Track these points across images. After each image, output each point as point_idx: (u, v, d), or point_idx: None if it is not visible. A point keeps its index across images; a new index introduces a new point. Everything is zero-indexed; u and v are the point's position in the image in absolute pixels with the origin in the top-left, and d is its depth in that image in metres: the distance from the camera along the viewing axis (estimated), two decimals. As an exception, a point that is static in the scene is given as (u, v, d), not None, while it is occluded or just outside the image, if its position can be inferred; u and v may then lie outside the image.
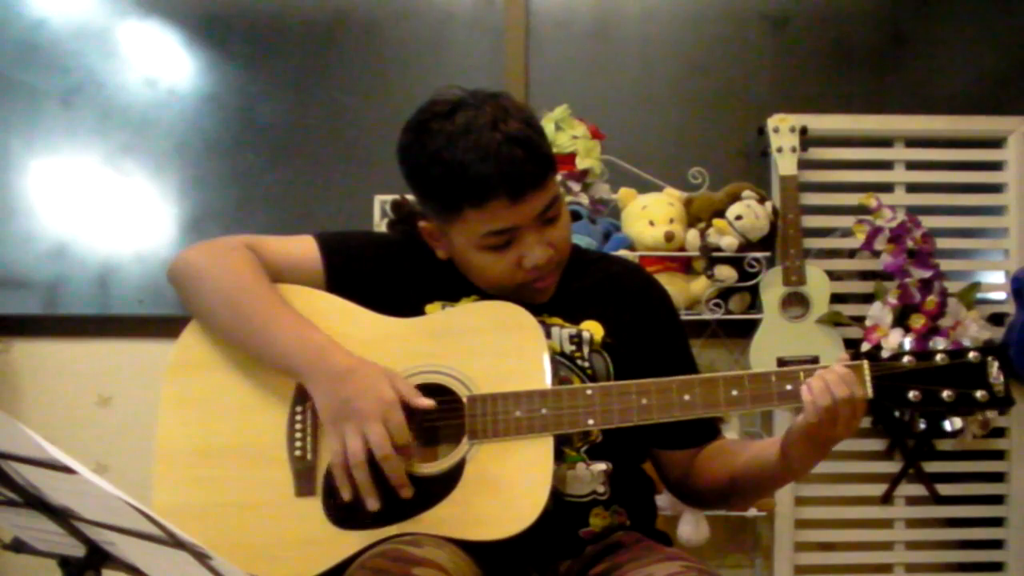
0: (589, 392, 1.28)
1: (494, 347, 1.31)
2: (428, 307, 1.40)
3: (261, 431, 1.33)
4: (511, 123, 1.30)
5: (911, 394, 1.22)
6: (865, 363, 1.23)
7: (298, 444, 1.32)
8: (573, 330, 1.39)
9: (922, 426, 1.26)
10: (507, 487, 1.24)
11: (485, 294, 1.41)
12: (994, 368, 1.21)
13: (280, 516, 1.29)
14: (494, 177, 1.27)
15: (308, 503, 1.29)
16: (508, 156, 1.27)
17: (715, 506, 1.67)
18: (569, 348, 1.38)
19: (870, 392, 1.22)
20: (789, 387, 1.24)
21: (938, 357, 1.22)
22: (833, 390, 1.19)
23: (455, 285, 1.42)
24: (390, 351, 1.32)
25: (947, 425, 1.28)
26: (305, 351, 1.29)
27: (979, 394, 1.21)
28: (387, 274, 1.44)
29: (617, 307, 1.44)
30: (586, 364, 1.37)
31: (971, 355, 1.22)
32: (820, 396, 1.19)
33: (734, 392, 1.25)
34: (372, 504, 1.24)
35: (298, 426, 1.32)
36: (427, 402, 1.26)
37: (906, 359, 1.23)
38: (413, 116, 1.37)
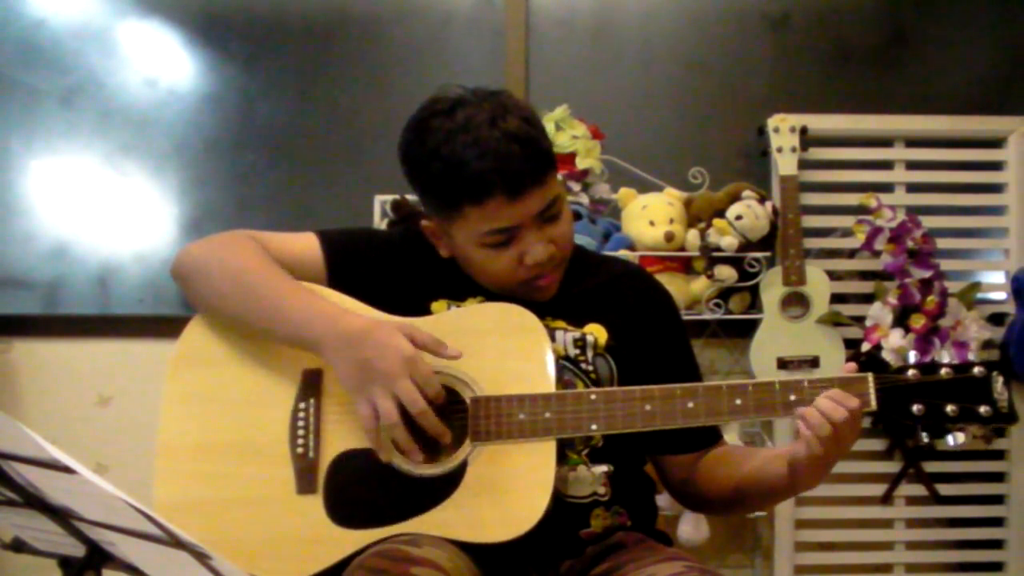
0: (593, 397, 1.28)
1: (499, 349, 1.30)
2: (433, 305, 1.40)
3: (263, 427, 1.33)
4: (510, 120, 1.30)
5: (915, 407, 1.22)
6: (870, 376, 1.22)
7: (300, 441, 1.31)
8: (577, 333, 1.38)
9: (924, 439, 1.25)
10: (508, 490, 1.24)
11: (489, 293, 1.41)
12: (998, 383, 1.21)
13: (281, 513, 1.29)
14: (491, 174, 1.27)
15: (309, 501, 1.29)
16: (505, 153, 1.27)
17: (719, 512, 1.66)
18: (573, 352, 1.37)
19: (874, 404, 1.21)
20: (793, 397, 1.23)
21: (943, 371, 1.22)
22: (831, 416, 1.18)
23: (459, 283, 1.42)
24: None
25: (950, 440, 1.27)
26: (318, 320, 1.28)
27: (983, 409, 1.21)
28: (390, 271, 1.44)
29: (621, 310, 1.43)
30: (590, 368, 1.37)
31: (976, 370, 1.21)
32: (819, 428, 1.19)
33: (738, 401, 1.25)
34: (417, 457, 1.25)
35: (301, 423, 1.32)
36: (453, 352, 1.26)
37: (911, 372, 1.23)
38: (414, 114, 1.37)
